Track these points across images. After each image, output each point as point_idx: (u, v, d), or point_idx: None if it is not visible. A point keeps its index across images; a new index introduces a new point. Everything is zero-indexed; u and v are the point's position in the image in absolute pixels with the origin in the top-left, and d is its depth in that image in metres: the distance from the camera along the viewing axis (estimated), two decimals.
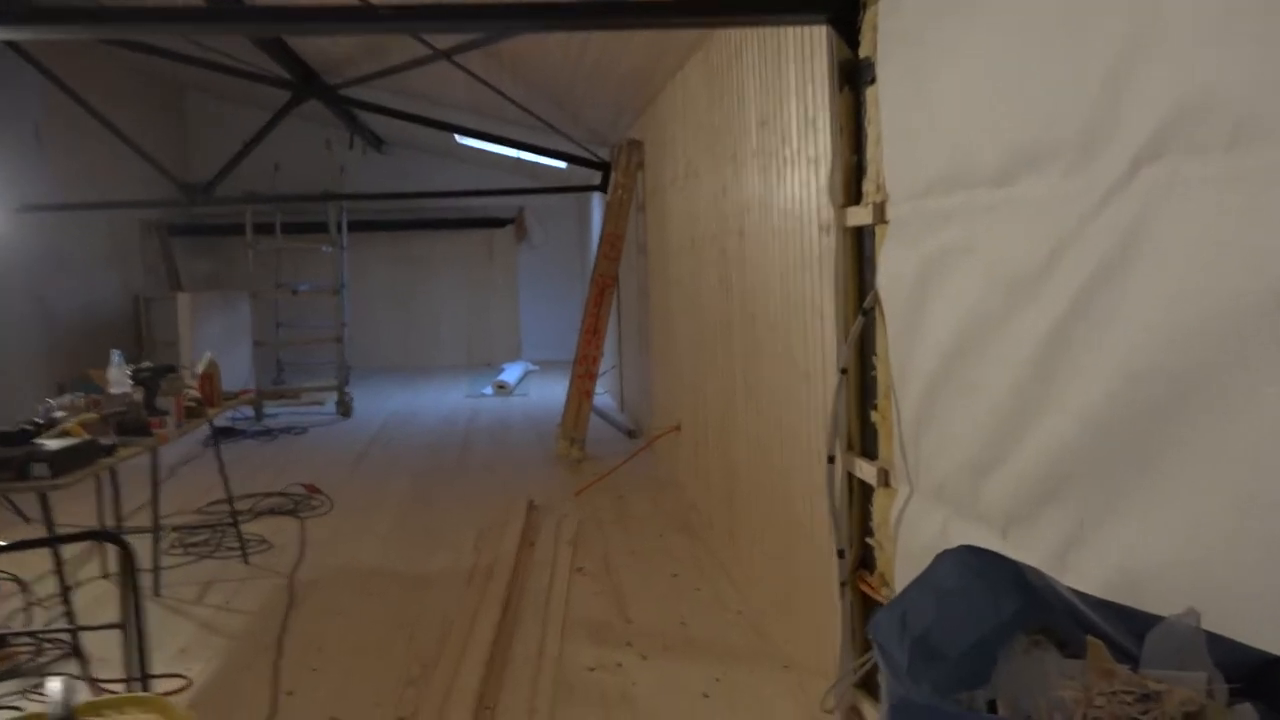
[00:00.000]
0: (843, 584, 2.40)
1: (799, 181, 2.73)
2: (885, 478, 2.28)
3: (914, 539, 2.09)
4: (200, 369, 3.98)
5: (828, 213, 2.49)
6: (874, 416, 2.30)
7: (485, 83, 5.87)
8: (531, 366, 10.69)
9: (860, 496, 2.44)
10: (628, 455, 5.42)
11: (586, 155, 7.43)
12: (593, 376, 5.92)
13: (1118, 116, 1.35)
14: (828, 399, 2.56)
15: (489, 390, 9.10)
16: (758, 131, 3.16)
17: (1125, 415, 1.37)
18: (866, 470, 2.32)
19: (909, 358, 2.07)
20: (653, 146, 5.47)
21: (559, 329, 10.70)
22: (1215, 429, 1.21)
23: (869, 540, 2.36)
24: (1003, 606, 1.19)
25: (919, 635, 1.15)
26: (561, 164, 8.40)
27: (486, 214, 11.24)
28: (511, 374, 9.55)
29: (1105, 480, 1.43)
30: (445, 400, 8.83)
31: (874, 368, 2.28)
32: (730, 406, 3.78)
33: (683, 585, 3.63)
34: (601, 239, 5.90)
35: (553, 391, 8.57)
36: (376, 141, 10.72)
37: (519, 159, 8.84)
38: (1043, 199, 1.55)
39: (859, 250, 2.40)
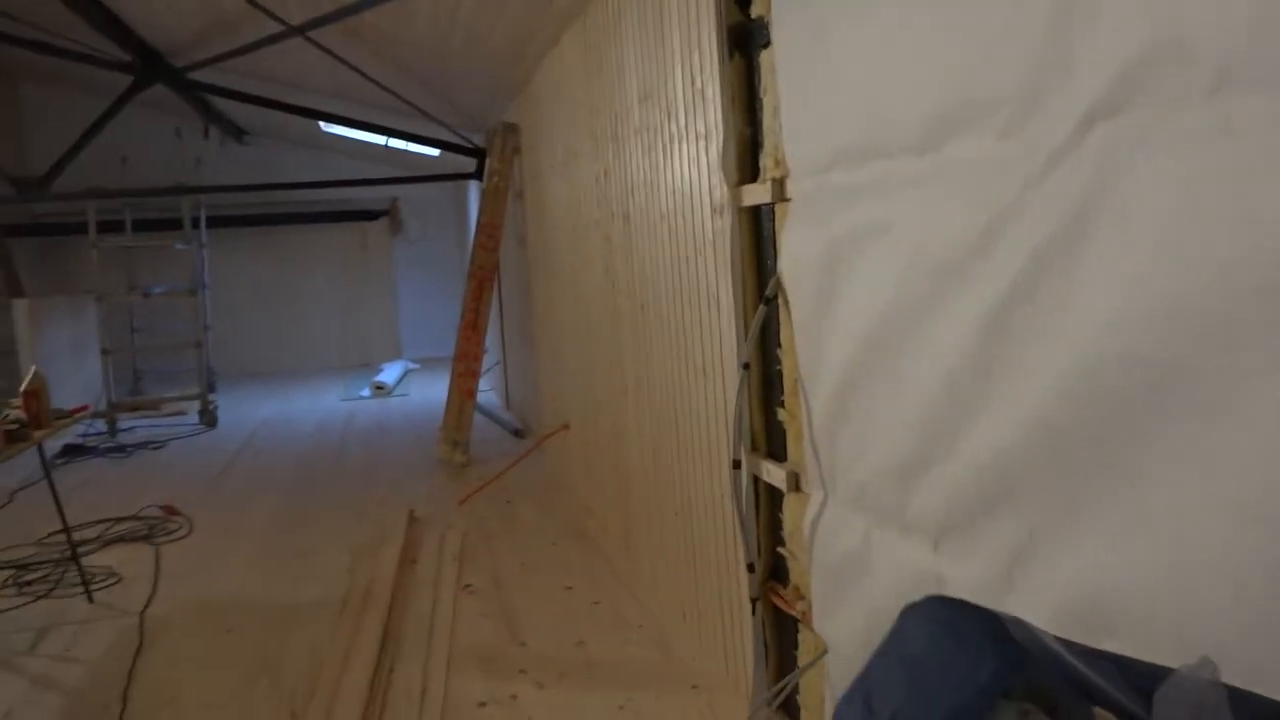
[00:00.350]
0: (754, 600, 2.18)
1: (688, 159, 2.50)
2: (796, 482, 2.07)
3: (831, 549, 1.89)
4: (24, 386, 3.51)
5: (721, 192, 2.26)
6: (781, 415, 2.09)
7: (346, 63, 5.46)
8: (412, 365, 10.25)
9: (769, 502, 2.23)
10: (515, 458, 5.13)
11: (461, 141, 7.08)
12: (474, 375, 5.60)
13: (1069, 64, 1.15)
14: (728, 397, 2.34)
15: (366, 392, 8.65)
16: (640, 107, 2.91)
17: (1082, 412, 1.17)
18: (775, 474, 2.11)
19: (819, 351, 1.86)
20: (530, 130, 5.18)
21: (440, 325, 10.28)
22: (1200, 427, 1.02)
23: (780, 550, 2.15)
24: (980, 668, 0.98)
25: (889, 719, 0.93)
26: (434, 151, 8.01)
27: (359, 206, 10.72)
28: (390, 374, 9.11)
29: (1058, 485, 1.23)
30: (320, 405, 8.34)
31: (779, 362, 2.07)
32: (621, 405, 3.53)
33: (579, 599, 3.38)
34: (478, 229, 5.58)
35: (435, 390, 8.19)
36: (237, 132, 10.07)
37: (390, 147, 8.40)
38: (975, 166, 1.35)
39: (757, 232, 2.18)
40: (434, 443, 5.87)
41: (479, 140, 6.97)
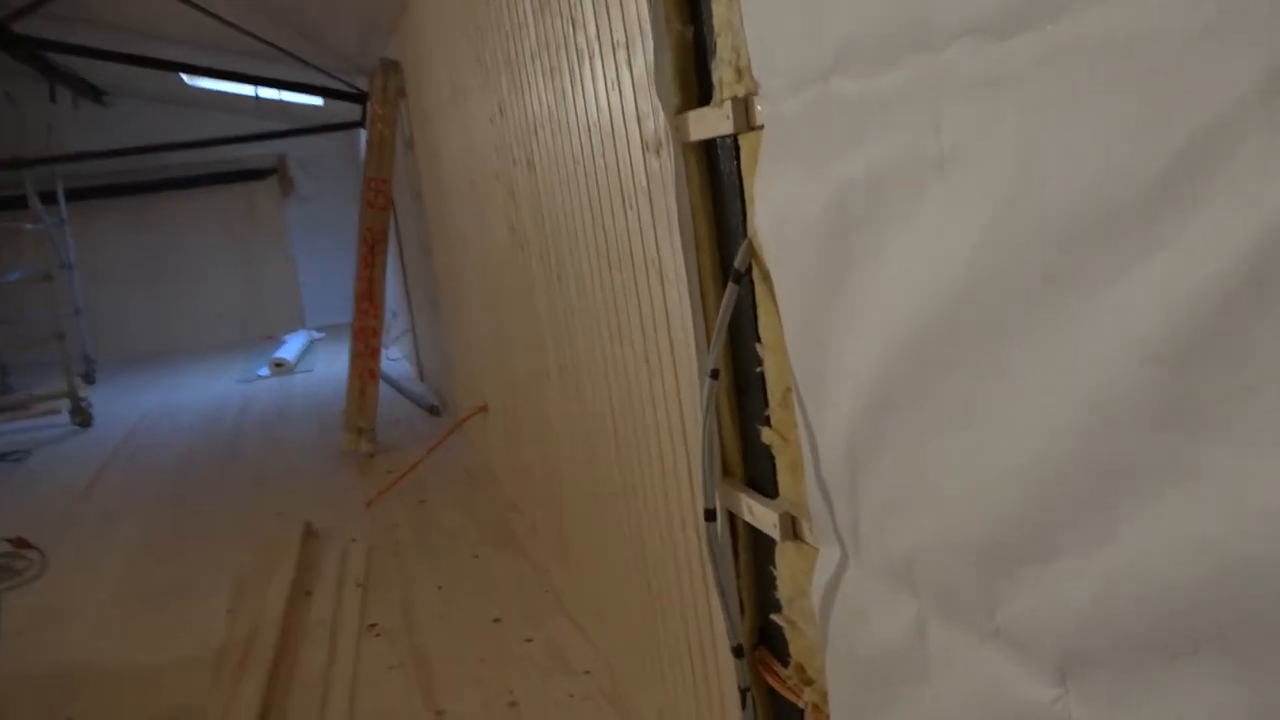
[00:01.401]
0: (744, 690, 1.59)
1: (604, 81, 1.85)
2: (793, 527, 1.47)
3: (861, 634, 1.30)
4: None
5: (655, 122, 1.62)
6: (766, 435, 1.48)
7: (191, 3, 4.63)
8: (317, 335, 9.44)
9: (751, 546, 1.64)
10: (428, 447, 4.47)
11: (343, 87, 6.26)
12: (375, 352, 4.90)
13: None
14: (684, 400, 1.73)
15: (265, 371, 7.85)
16: (536, 19, 2.23)
17: None
18: (761, 514, 1.51)
19: (826, 351, 1.25)
20: (413, 66, 4.43)
21: (345, 289, 9.37)
22: None
23: (774, 617, 1.56)
24: None
25: None
26: (317, 100, 7.16)
27: (242, 166, 9.76)
28: (291, 348, 8.31)
29: None
30: (213, 389, 7.53)
31: (758, 361, 1.46)
32: (543, 391, 2.90)
33: (509, 635, 2.77)
34: (365, 185, 4.83)
35: (342, 362, 7.43)
36: (93, 92, 8.99)
37: (264, 99, 7.50)
38: (1144, 41, 0.74)
39: (713, 177, 1.55)
40: (338, 428, 5.17)
41: (363, 84, 6.15)
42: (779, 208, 1.29)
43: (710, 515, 1.49)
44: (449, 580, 3.20)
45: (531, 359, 2.98)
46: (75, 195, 9.04)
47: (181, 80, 7.68)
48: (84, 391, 7.13)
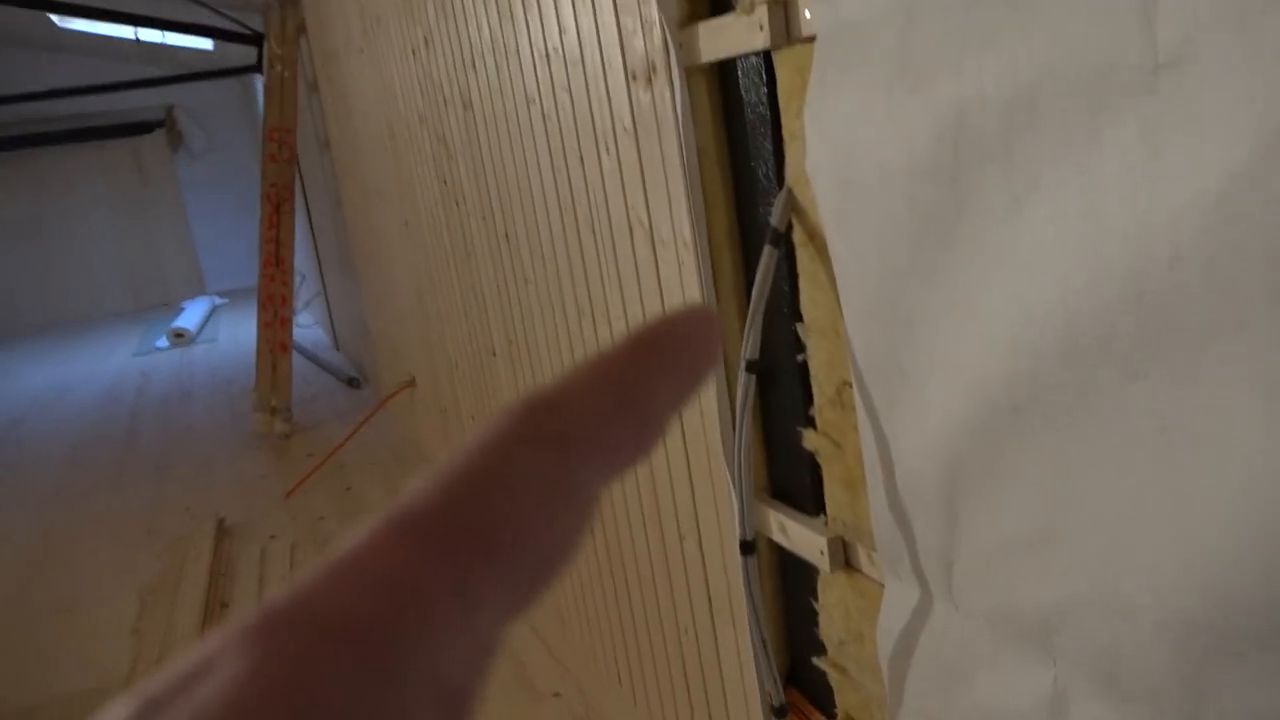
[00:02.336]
0: None
1: None
2: (844, 554, 1.17)
3: (961, 699, 1.01)
4: None
5: (647, 42, 1.27)
6: (810, 440, 1.16)
7: None
8: (219, 301, 8.83)
9: (775, 570, 1.34)
10: (352, 426, 4.07)
11: (235, 28, 5.67)
12: (286, 322, 4.44)
13: None
14: (705, 414, 1.39)
15: (164, 342, 7.26)
16: None
17: None
18: (801, 538, 1.21)
19: (916, 332, 0.94)
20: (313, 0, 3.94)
21: (247, 250, 8.80)
22: None
23: (816, 661, 1.26)
24: None
25: None
26: (207, 43, 6.55)
27: (128, 119, 8.99)
28: (192, 316, 7.72)
29: None
30: (108, 365, 6.93)
31: (797, 345, 1.14)
32: (489, 370, 2.55)
33: None
34: (265, 136, 4.34)
35: (247, 330, 6.90)
36: None
37: (148, 43, 6.83)
38: None
39: (728, 111, 1.22)
40: (249, 407, 4.72)
41: (257, 24, 5.58)
42: (842, 145, 0.96)
43: (748, 548, 1.18)
44: None
45: (472, 332, 2.62)
46: None
47: (52, 22, 6.95)
48: None
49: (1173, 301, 0.67)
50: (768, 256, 1.08)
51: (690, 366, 0.18)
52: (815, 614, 1.23)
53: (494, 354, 2.45)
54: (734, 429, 1.16)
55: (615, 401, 0.17)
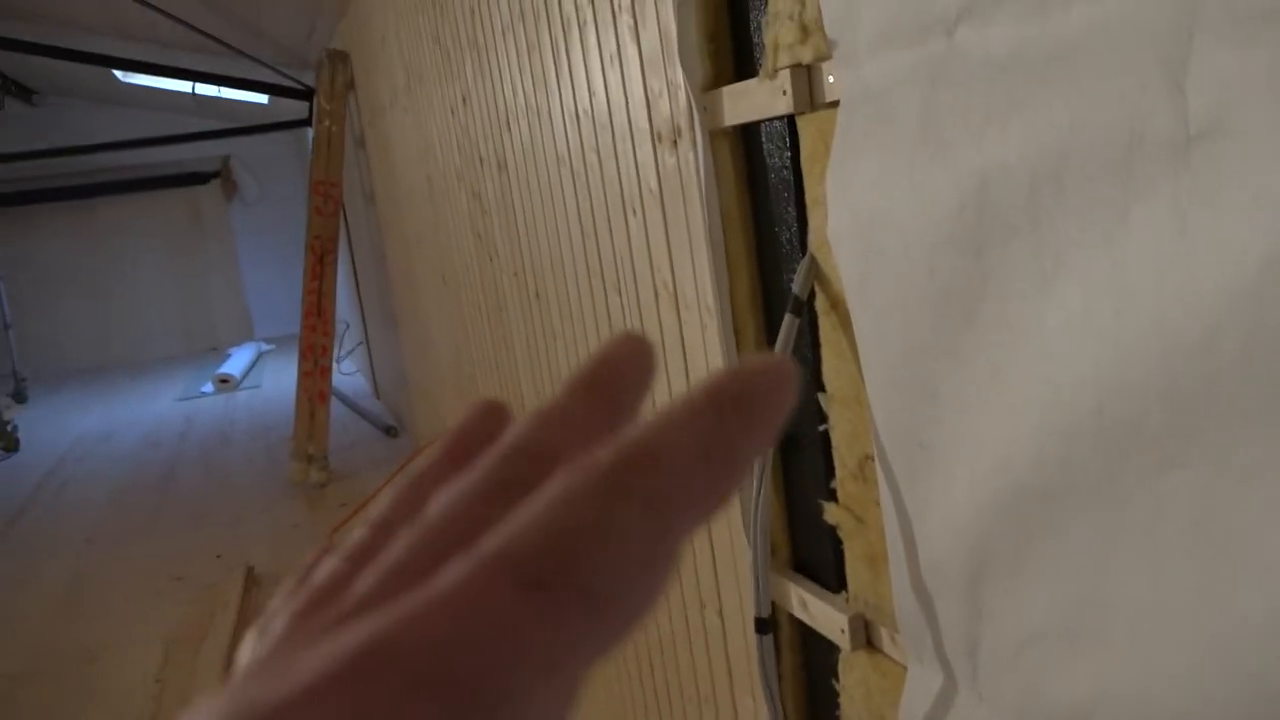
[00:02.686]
0: None
1: (602, 57, 1.48)
2: (866, 632, 1.12)
3: None
4: None
5: (672, 105, 1.26)
6: (832, 513, 1.12)
7: None
8: (265, 346, 8.95)
9: (796, 646, 1.28)
10: (386, 476, 4.06)
11: (288, 83, 5.82)
12: (325, 372, 4.48)
13: None
14: None
15: (209, 388, 7.37)
16: None
17: None
18: (822, 615, 1.16)
19: (941, 406, 0.90)
20: (363, 55, 4.03)
21: (295, 297, 8.95)
22: None
23: None
24: None
25: None
26: (262, 98, 6.71)
27: (184, 169, 9.24)
28: (238, 362, 7.82)
29: None
30: (152, 408, 7.04)
31: (820, 415, 1.10)
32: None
33: None
34: (311, 188, 4.42)
35: (291, 376, 6.96)
36: (22, 91, 8.44)
37: (203, 96, 7.03)
38: None
39: (752, 173, 1.20)
40: (287, 456, 4.74)
41: (309, 80, 5.72)
42: (864, 211, 0.93)
43: (764, 626, 1.13)
44: None
45: (504, 385, 2.61)
46: (3, 201, 8.50)
47: (115, 77, 7.20)
48: (11, 413, 6.62)
49: (1208, 386, 0.63)
50: (789, 325, 1.05)
51: (768, 419, 0.18)
52: (837, 693, 1.18)
53: (523, 407, 2.43)
54: (753, 501, 1.12)
55: (703, 457, 0.17)
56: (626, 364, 0.22)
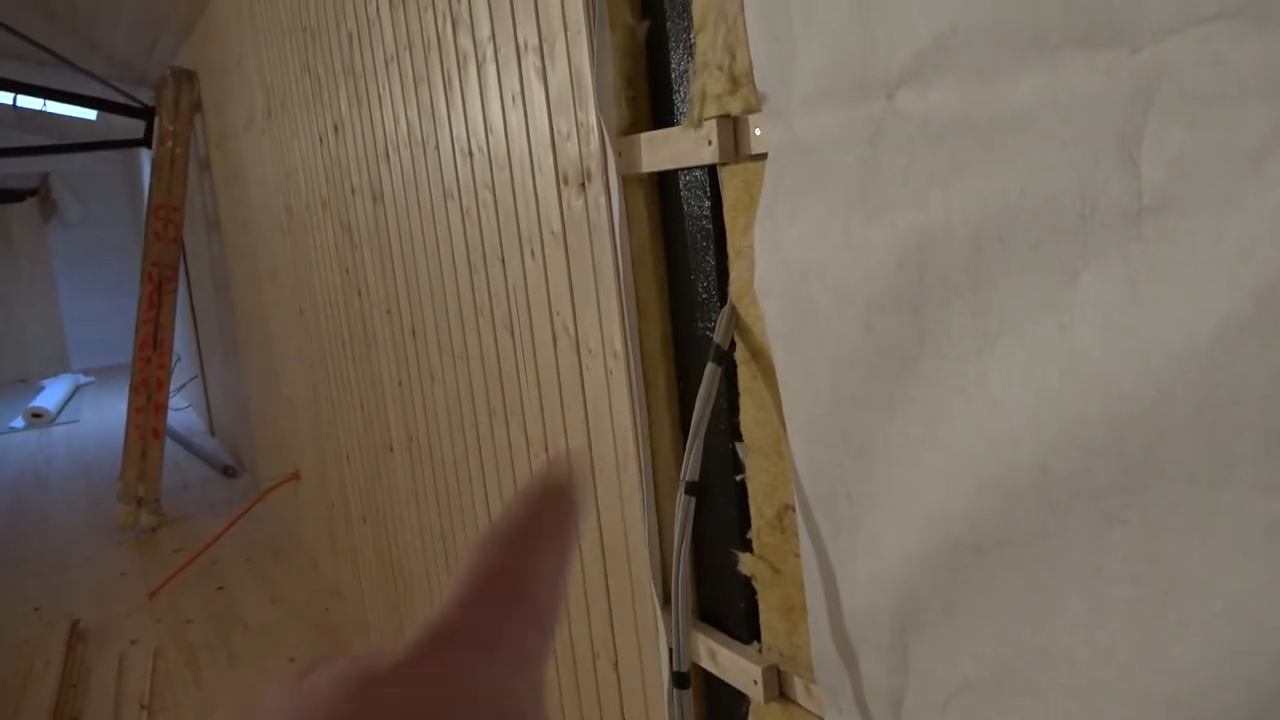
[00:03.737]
0: None
1: (498, 94, 1.45)
2: (779, 684, 1.12)
3: None
4: None
5: (583, 148, 1.25)
6: (747, 564, 1.12)
7: None
8: (83, 379, 8.34)
9: (703, 696, 1.27)
10: (228, 520, 3.83)
11: (122, 100, 5.48)
12: (160, 408, 4.20)
13: None
14: (605, 510, 1.34)
15: (19, 422, 6.79)
16: (394, 16, 1.81)
17: None
18: (732, 666, 1.14)
19: (870, 459, 0.90)
20: (213, 76, 3.84)
21: (116, 326, 8.40)
22: None
23: None
24: None
25: None
26: (90, 113, 6.30)
27: None
28: (52, 395, 7.25)
29: None
30: None
31: (739, 465, 1.10)
32: (385, 466, 2.43)
33: None
34: (150, 212, 4.16)
35: (114, 411, 6.53)
36: None
37: (21, 108, 6.54)
38: None
39: (665, 219, 1.19)
40: (113, 496, 4.40)
41: (148, 98, 5.40)
42: (795, 265, 0.94)
43: (683, 680, 1.11)
44: (259, 695, 2.63)
45: (369, 426, 2.50)
46: None
47: None
48: None
49: (1155, 447, 0.65)
50: (710, 373, 1.04)
51: (565, 541, 0.23)
52: None
53: (391, 450, 2.34)
54: (675, 554, 1.10)
55: (512, 605, 0.23)
56: (563, 510, 0.29)
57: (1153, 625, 0.69)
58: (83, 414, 7.05)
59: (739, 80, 0.98)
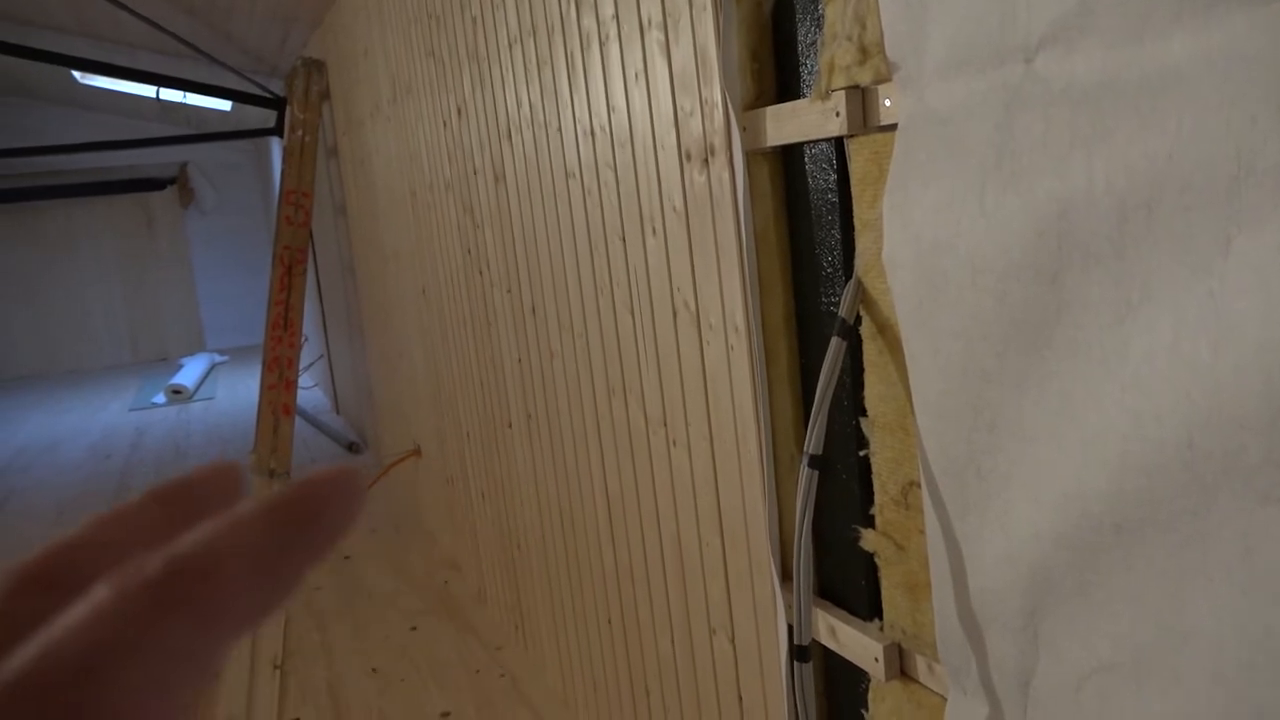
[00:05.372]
0: None
1: (626, 72, 1.47)
2: (901, 661, 1.10)
3: None
4: None
5: (707, 124, 1.25)
6: (870, 540, 1.11)
7: None
8: (218, 358, 8.76)
9: (822, 673, 1.26)
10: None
11: (255, 90, 5.73)
12: (290, 385, 4.38)
13: None
14: (723, 483, 1.35)
15: (161, 398, 7.18)
16: (519, 0, 1.84)
17: None
18: (853, 642, 1.14)
19: (1000, 436, 0.89)
20: (341, 65, 3.98)
21: (248, 308, 8.82)
22: None
23: None
24: None
25: None
26: (224, 104, 6.60)
27: (139, 174, 9.04)
28: (191, 373, 7.65)
29: None
30: (101, 418, 6.84)
31: (862, 440, 1.09)
32: (504, 442, 2.49)
33: None
34: (282, 198, 4.34)
35: (246, 389, 6.85)
36: None
37: (165, 101, 6.90)
38: None
39: (791, 197, 1.18)
40: (246, 470, 4.62)
41: (278, 89, 5.63)
42: (926, 237, 0.93)
43: (803, 654, 1.11)
44: (384, 660, 2.73)
45: (488, 403, 2.57)
46: None
47: (73, 78, 7.03)
48: None
49: None
50: (835, 347, 1.04)
51: (324, 533, 0.18)
52: None
53: (510, 426, 2.39)
54: (797, 528, 1.10)
55: (251, 569, 0.17)
56: (213, 483, 0.22)
57: None
58: (218, 391, 7.42)
59: (869, 50, 0.96)
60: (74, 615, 0.16)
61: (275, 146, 6.43)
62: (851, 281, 1.04)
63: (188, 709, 0.16)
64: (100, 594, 0.16)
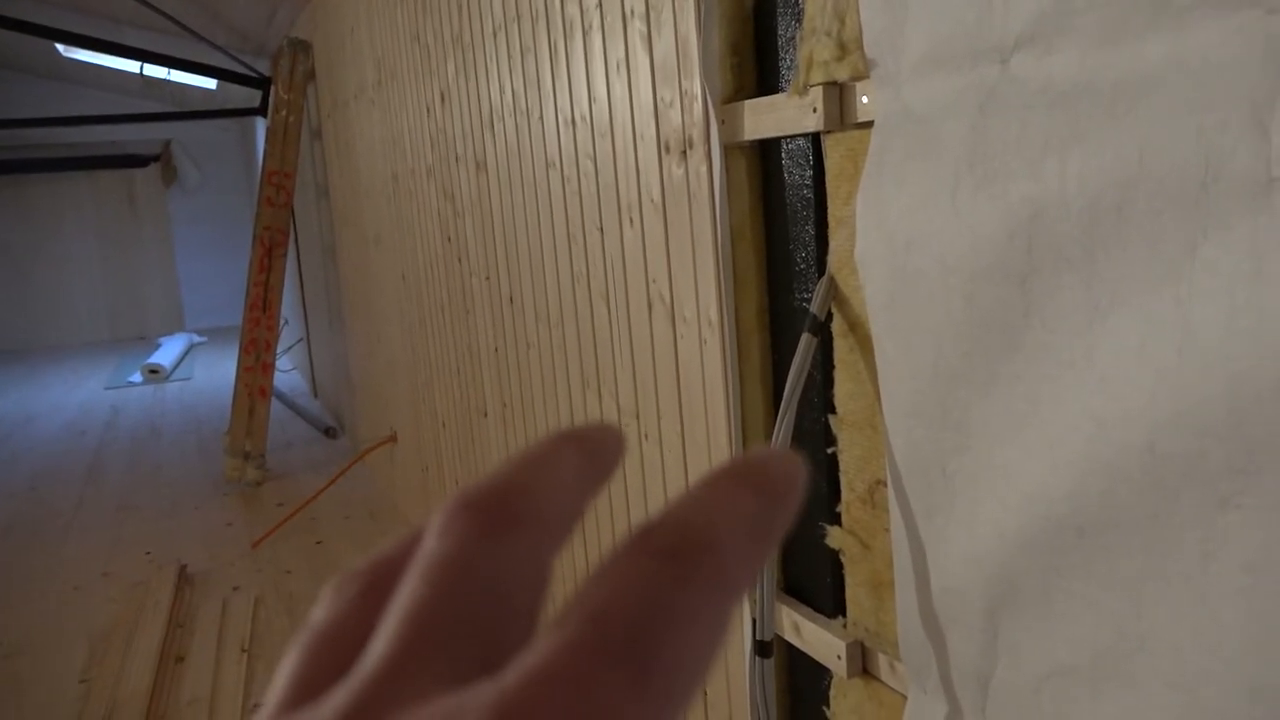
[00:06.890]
0: None
1: (603, 62, 1.46)
2: (863, 659, 1.10)
3: None
4: None
5: (685, 116, 1.24)
6: (835, 537, 1.11)
7: None
8: (197, 339, 8.70)
9: (785, 669, 1.26)
10: (328, 478, 3.96)
11: (241, 69, 5.67)
12: (268, 368, 4.35)
13: None
14: (695, 477, 1.33)
15: (137, 377, 7.12)
16: None
17: None
18: (816, 639, 1.14)
19: (968, 435, 0.89)
20: (327, 46, 3.94)
21: (229, 289, 8.75)
22: None
23: None
24: None
25: None
26: (210, 82, 6.54)
27: (121, 151, 8.95)
28: (168, 352, 7.58)
29: None
30: (77, 395, 6.77)
31: (830, 438, 1.09)
32: (479, 431, 2.48)
33: None
34: (264, 179, 4.30)
35: (224, 371, 6.80)
36: None
37: (149, 77, 6.83)
38: None
39: (766, 189, 1.18)
40: (220, 450, 4.60)
41: (263, 67, 5.58)
42: (899, 235, 0.92)
43: (765, 649, 1.11)
44: None
45: (464, 391, 2.55)
46: None
47: (57, 51, 6.95)
48: None
49: (1276, 429, 0.62)
50: (806, 344, 1.03)
51: (791, 501, 0.19)
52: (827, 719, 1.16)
53: (485, 415, 2.38)
54: None
55: (749, 536, 0.18)
56: (604, 440, 0.22)
57: (1266, 616, 0.66)
58: (195, 372, 7.36)
59: (847, 46, 0.96)
60: (607, 584, 0.16)
61: (260, 127, 6.38)
62: (824, 278, 1.04)
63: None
64: (626, 565, 0.16)
